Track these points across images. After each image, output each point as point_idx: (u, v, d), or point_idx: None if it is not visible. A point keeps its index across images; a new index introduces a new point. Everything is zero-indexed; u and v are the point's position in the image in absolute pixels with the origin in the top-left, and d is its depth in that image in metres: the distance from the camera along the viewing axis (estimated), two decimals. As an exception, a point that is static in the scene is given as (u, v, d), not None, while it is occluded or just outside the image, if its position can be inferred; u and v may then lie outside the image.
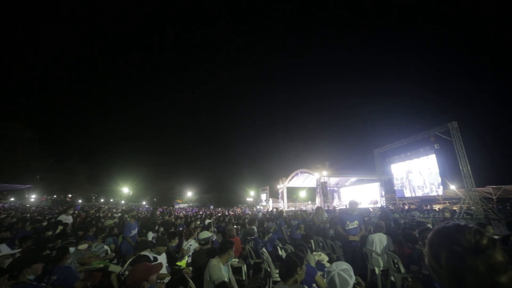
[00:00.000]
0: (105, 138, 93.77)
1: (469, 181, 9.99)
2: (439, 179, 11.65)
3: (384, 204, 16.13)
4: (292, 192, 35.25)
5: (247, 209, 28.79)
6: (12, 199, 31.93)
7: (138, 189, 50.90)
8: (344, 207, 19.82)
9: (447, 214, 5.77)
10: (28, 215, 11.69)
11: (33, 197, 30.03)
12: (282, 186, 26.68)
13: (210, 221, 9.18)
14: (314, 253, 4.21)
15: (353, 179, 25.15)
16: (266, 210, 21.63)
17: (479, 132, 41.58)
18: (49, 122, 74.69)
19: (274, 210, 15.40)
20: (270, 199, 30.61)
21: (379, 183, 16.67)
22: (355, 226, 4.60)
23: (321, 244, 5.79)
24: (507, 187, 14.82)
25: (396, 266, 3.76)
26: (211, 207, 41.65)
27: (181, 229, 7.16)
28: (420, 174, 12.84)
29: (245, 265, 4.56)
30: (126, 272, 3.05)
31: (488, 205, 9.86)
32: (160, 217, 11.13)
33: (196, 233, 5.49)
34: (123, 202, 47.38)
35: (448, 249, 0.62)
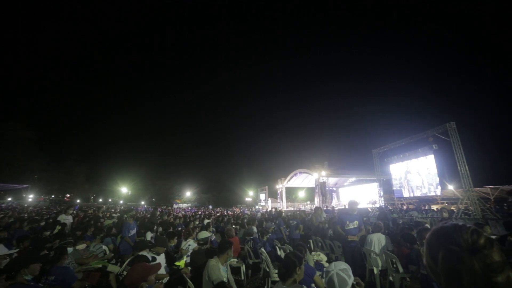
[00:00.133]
0: (105, 138, 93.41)
1: (467, 181, 10.04)
2: (437, 179, 11.71)
3: (383, 204, 16.18)
4: (291, 192, 35.27)
5: (246, 209, 28.79)
6: (9, 199, 31.76)
7: (137, 189, 50.78)
8: (343, 207, 19.87)
9: (445, 214, 5.80)
10: (26, 215, 11.63)
11: (30, 197, 29.89)
12: (281, 186, 26.70)
13: (209, 221, 9.17)
14: (313, 253, 4.22)
15: (352, 179, 25.20)
16: (265, 210, 21.64)
17: (477, 132, 41.78)
18: (48, 122, 74.43)
19: (273, 210, 15.40)
20: (269, 199, 30.62)
21: (377, 183, 16.72)
22: (355, 226, 4.55)
23: (320, 244, 5.80)
24: (504, 187, 14.89)
25: (395, 266, 3.77)
26: (210, 207, 41.63)
27: (179, 229, 7.15)
28: (419, 174, 12.89)
29: (244, 265, 4.56)
30: (125, 272, 3.04)
31: (486, 205, 9.93)
32: (159, 217, 11.11)
33: (194, 233, 5.48)
34: (121, 202, 47.24)
35: (445, 249, 0.63)
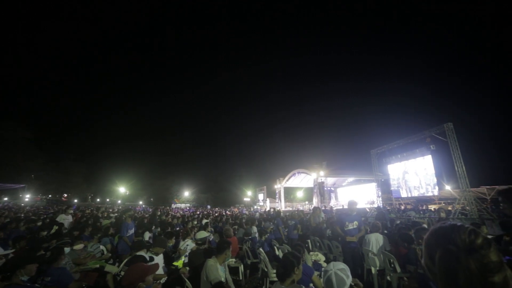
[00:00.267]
0: (103, 138, 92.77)
1: (464, 181, 10.12)
2: (435, 180, 11.78)
3: (381, 204, 16.25)
4: (289, 192, 35.30)
5: (245, 209, 28.78)
6: (5, 198, 31.47)
7: (135, 189, 50.63)
8: (341, 207, 19.93)
9: (443, 214, 5.84)
10: (22, 215, 11.53)
11: (27, 197, 29.67)
12: (280, 186, 26.72)
13: (207, 221, 9.16)
14: (311, 253, 4.22)
15: (350, 179, 25.29)
16: (263, 210, 21.64)
17: (474, 133, 42.15)
18: (47, 122, 74.00)
19: (272, 210, 15.41)
20: (268, 199, 30.63)
21: (375, 184, 16.79)
22: (355, 227, 4.47)
23: (318, 244, 5.81)
24: (500, 187, 15.03)
25: (392, 265, 3.78)
26: (208, 207, 41.56)
27: (178, 229, 7.13)
28: (416, 175, 12.96)
29: (242, 265, 4.56)
30: (122, 273, 3.03)
31: (482, 205, 10.00)
32: (158, 218, 11.06)
33: (193, 233, 5.47)
34: (119, 202, 47.03)
35: (443, 249, 0.63)
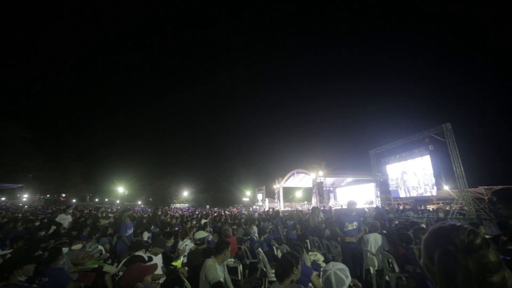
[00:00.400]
0: (102, 138, 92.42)
1: (462, 181, 10.17)
2: (433, 180, 11.84)
3: (380, 204, 16.30)
4: (288, 192, 35.35)
5: (243, 209, 28.76)
6: (3, 198, 31.28)
7: (134, 189, 50.47)
8: (340, 207, 19.98)
9: (441, 214, 5.86)
10: (20, 215, 11.46)
11: (25, 197, 29.52)
12: (278, 186, 26.73)
13: (206, 221, 9.14)
14: (310, 253, 4.22)
15: (349, 179, 25.35)
16: (262, 210, 21.65)
17: (472, 133, 42.34)
18: (46, 122, 73.63)
19: (271, 210, 15.42)
20: (266, 199, 30.62)
21: (374, 184, 16.83)
22: (354, 227, 4.43)
23: (317, 244, 5.82)
24: (498, 187, 15.11)
25: (391, 265, 3.80)
26: (207, 207, 41.51)
27: (176, 229, 7.11)
28: (415, 175, 13.02)
29: (241, 265, 4.55)
30: (120, 273, 3.02)
31: (480, 205, 10.06)
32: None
33: (191, 233, 5.46)
34: (118, 202, 46.89)
35: (441, 248, 0.63)
